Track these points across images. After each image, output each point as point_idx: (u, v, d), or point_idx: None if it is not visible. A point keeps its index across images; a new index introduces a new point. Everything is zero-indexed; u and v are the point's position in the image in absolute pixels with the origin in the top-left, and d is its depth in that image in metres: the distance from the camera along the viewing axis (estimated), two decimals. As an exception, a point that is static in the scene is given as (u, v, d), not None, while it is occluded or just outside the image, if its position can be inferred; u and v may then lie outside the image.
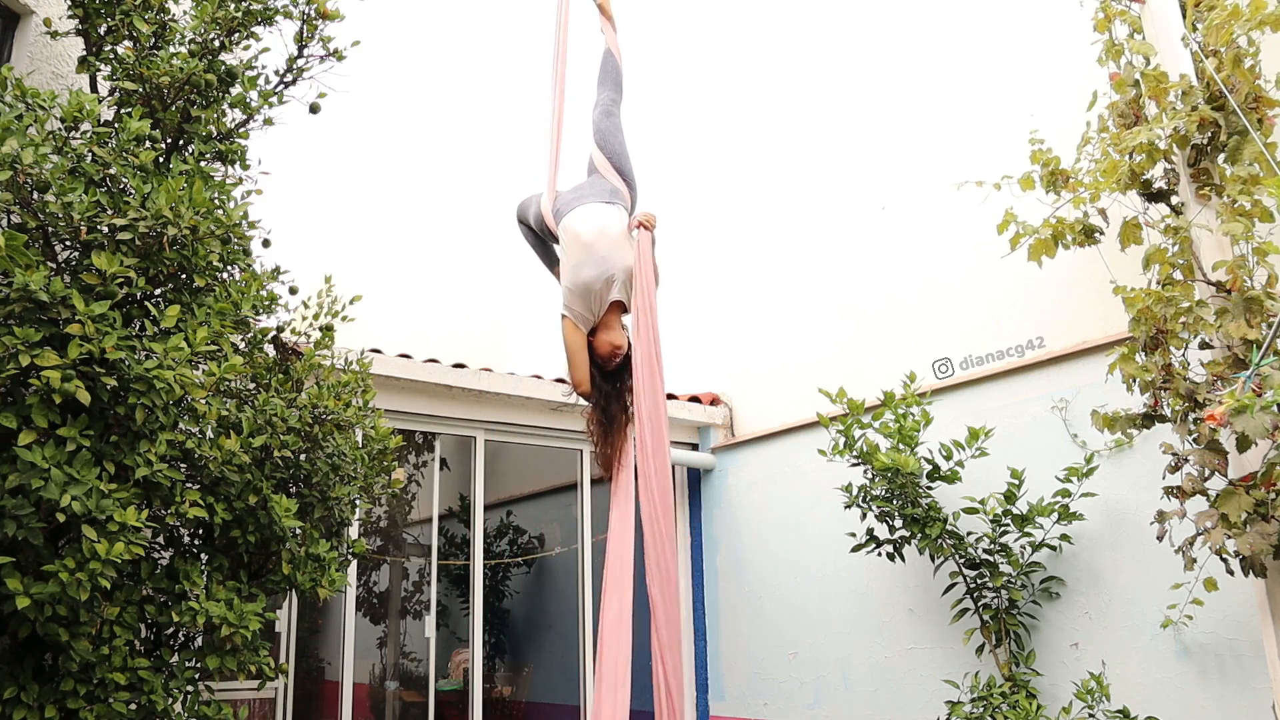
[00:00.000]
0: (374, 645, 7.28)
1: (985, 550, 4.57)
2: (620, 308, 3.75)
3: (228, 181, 3.42)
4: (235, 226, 3.06)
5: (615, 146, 3.99)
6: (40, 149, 2.65)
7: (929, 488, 4.71)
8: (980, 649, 4.66)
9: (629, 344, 3.76)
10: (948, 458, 4.68)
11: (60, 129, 2.90)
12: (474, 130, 10.17)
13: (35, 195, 2.72)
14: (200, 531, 3.24)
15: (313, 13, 3.66)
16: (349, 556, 3.82)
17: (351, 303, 3.88)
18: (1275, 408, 2.88)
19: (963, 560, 4.60)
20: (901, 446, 4.64)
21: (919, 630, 5.14)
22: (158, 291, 3.08)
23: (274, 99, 3.65)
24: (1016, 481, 4.45)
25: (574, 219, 3.76)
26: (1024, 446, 4.72)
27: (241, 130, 3.62)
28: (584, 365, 3.77)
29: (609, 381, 3.80)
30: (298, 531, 3.33)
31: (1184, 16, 3.80)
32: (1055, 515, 4.37)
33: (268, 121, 3.67)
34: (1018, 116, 5.04)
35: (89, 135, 2.97)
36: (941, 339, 5.38)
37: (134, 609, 2.84)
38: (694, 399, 6.80)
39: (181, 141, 3.47)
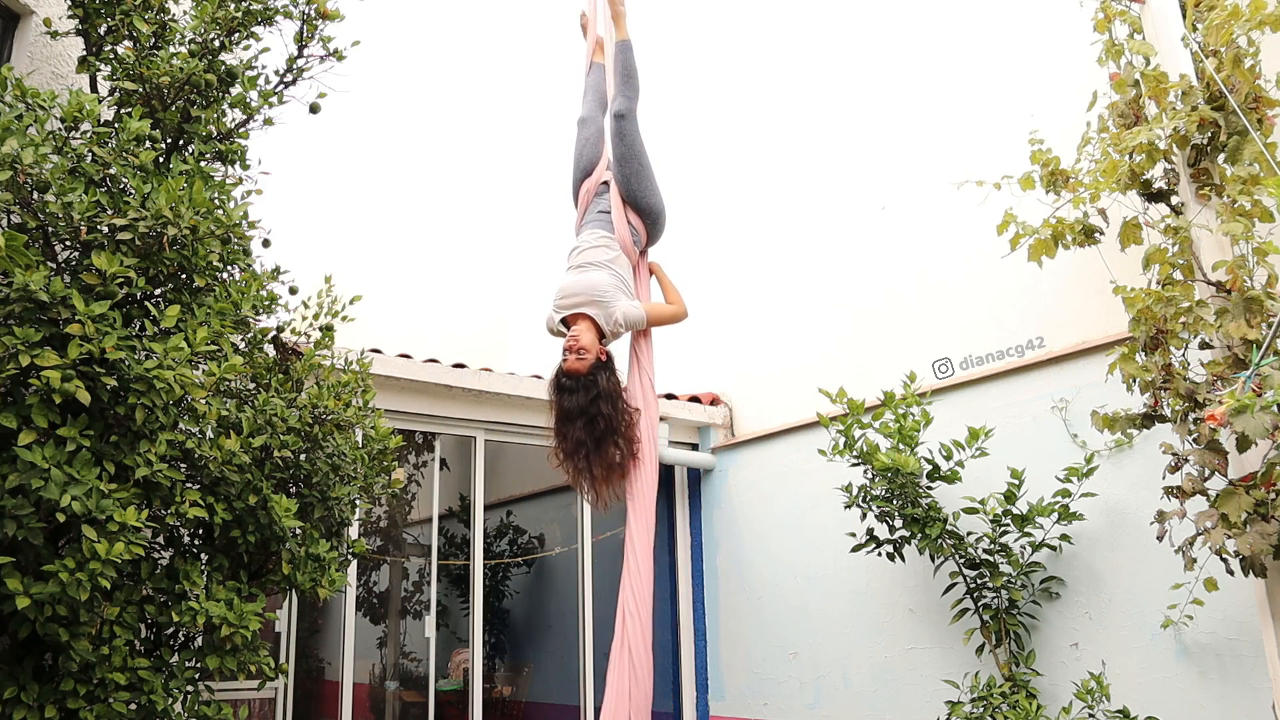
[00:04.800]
0: (374, 645, 7.28)
1: (985, 550, 4.56)
2: (585, 319, 3.76)
3: (228, 181, 3.41)
4: (235, 226, 3.06)
5: (633, 179, 3.96)
6: (40, 149, 2.65)
7: (929, 488, 4.71)
8: (980, 649, 4.66)
9: (596, 358, 3.73)
10: (948, 458, 4.68)
11: (60, 129, 2.90)
12: (473, 130, 10.17)
13: (35, 195, 2.72)
14: (200, 531, 3.24)
15: (313, 13, 3.66)
16: (349, 556, 3.82)
17: (351, 303, 3.88)
18: (1275, 408, 2.88)
19: (963, 560, 4.60)
20: (901, 446, 4.64)
21: (919, 630, 5.14)
22: (158, 291, 3.08)
23: (274, 99, 3.65)
24: (1016, 481, 4.45)
25: (565, 278, 3.92)
26: (1024, 446, 4.71)
27: (241, 130, 3.62)
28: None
29: (569, 394, 3.72)
30: (298, 531, 3.33)
31: (1184, 16, 3.80)
32: (1055, 515, 4.37)
33: (268, 121, 3.67)
34: (1018, 116, 5.04)
35: (89, 135, 2.96)
36: (941, 339, 5.38)
37: (134, 609, 2.84)
38: (694, 399, 6.79)
39: (181, 141, 3.47)
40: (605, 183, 4.12)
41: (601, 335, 3.78)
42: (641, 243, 4.05)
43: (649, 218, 4.01)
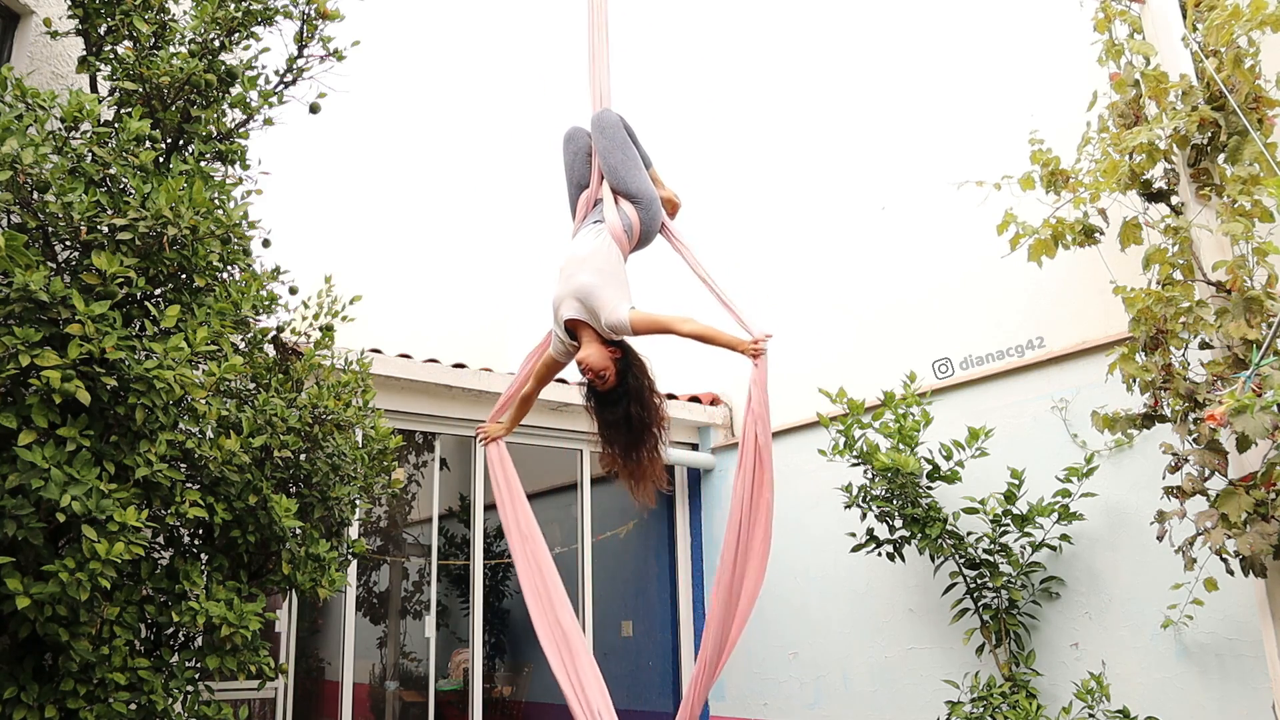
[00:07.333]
0: (374, 645, 7.28)
1: (985, 550, 4.56)
2: (585, 328, 3.69)
3: (228, 181, 3.41)
4: (235, 226, 3.06)
5: (619, 169, 3.91)
6: (40, 149, 2.65)
7: (929, 488, 4.71)
8: (980, 649, 4.66)
9: (615, 367, 3.66)
10: (948, 458, 4.68)
11: (60, 129, 2.90)
12: (473, 130, 10.17)
13: (35, 195, 2.72)
14: (200, 531, 3.24)
15: (313, 13, 3.66)
16: (349, 556, 3.82)
17: (351, 303, 3.88)
18: (1275, 408, 2.88)
19: (963, 560, 4.60)
20: (901, 446, 4.64)
21: (919, 630, 5.14)
22: (158, 291, 3.08)
23: (274, 99, 3.65)
24: (1016, 481, 4.45)
25: (555, 288, 3.84)
26: (1024, 446, 4.71)
27: (241, 130, 3.62)
28: (516, 392, 3.98)
29: (607, 407, 3.73)
30: (298, 531, 3.33)
31: (1184, 16, 3.80)
32: (1055, 515, 4.37)
33: (268, 121, 3.67)
34: (1018, 116, 5.04)
35: (89, 135, 2.96)
36: (941, 339, 5.38)
37: (134, 609, 2.84)
38: (694, 399, 6.79)
39: (181, 141, 3.47)
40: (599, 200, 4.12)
41: (605, 340, 3.76)
42: (634, 234, 3.99)
43: (639, 203, 3.98)
